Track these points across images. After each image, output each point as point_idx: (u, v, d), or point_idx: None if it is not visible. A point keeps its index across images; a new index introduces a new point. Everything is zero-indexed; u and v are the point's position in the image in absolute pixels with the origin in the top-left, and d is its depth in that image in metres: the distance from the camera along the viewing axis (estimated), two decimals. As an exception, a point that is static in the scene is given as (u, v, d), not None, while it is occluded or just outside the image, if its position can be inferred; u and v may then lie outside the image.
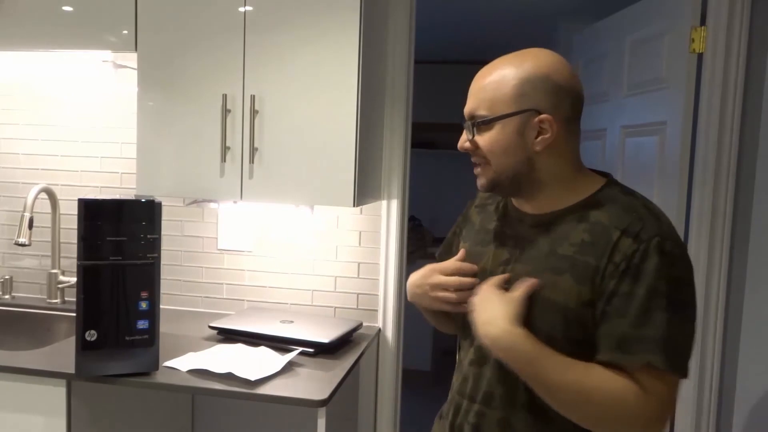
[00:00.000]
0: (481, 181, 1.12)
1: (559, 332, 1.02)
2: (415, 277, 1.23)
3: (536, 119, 1.04)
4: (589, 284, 1.01)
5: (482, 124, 1.07)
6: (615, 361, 0.97)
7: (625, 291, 0.98)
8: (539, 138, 1.05)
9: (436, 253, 1.38)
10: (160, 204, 1.50)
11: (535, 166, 1.07)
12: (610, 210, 1.04)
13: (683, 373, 0.97)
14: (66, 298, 2.17)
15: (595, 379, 0.98)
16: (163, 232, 1.52)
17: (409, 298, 1.26)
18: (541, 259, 1.06)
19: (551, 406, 1.01)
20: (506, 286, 1.08)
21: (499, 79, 1.06)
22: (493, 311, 1.03)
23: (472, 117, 1.09)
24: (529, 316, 1.04)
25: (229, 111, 1.77)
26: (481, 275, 1.14)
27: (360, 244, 2.09)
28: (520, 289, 1.04)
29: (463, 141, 1.11)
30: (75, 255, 1.47)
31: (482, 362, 1.12)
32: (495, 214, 1.21)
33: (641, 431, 0.97)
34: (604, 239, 1.01)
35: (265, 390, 1.47)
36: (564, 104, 1.05)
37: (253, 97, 1.75)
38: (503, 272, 1.11)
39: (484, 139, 1.08)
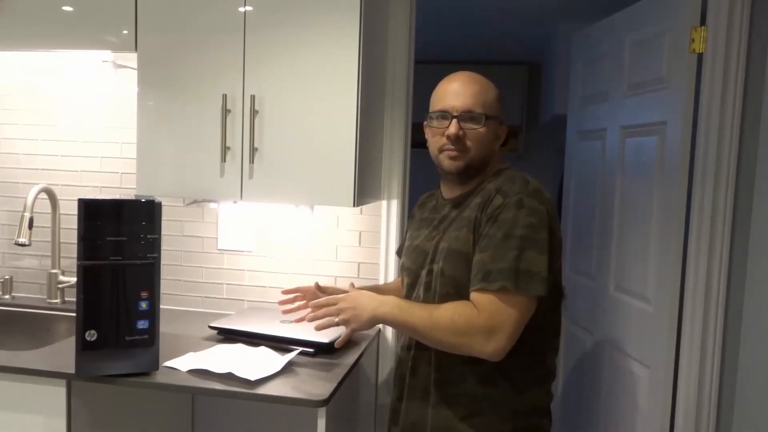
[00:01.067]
0: (457, 164, 1.41)
1: (462, 272, 1.35)
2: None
3: (500, 126, 1.45)
4: (472, 232, 1.35)
5: (478, 118, 1.39)
6: (479, 288, 1.29)
7: (489, 233, 1.31)
8: (497, 140, 1.45)
9: (396, 250, 1.85)
10: (160, 204, 1.50)
11: (490, 159, 1.44)
12: (497, 180, 1.40)
13: (532, 292, 1.28)
14: (66, 298, 2.17)
15: (441, 309, 1.33)
16: (163, 232, 1.52)
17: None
18: (453, 223, 1.41)
19: (421, 340, 1.39)
20: (429, 278, 1.44)
21: (487, 87, 1.42)
22: (358, 302, 1.44)
23: (470, 111, 1.39)
24: (442, 266, 1.38)
25: (229, 111, 1.77)
26: (416, 251, 1.49)
27: (360, 244, 2.09)
28: (342, 296, 1.51)
29: (457, 129, 1.38)
30: (75, 255, 1.47)
31: None
32: (430, 206, 1.57)
33: (482, 339, 1.28)
34: (486, 198, 1.36)
35: (265, 390, 1.47)
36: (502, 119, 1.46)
37: (253, 97, 1.75)
38: (429, 246, 1.44)
39: (474, 132, 1.39)
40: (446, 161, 1.42)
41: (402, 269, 1.59)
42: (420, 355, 1.46)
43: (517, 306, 1.29)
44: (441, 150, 1.42)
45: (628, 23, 2.21)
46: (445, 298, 1.37)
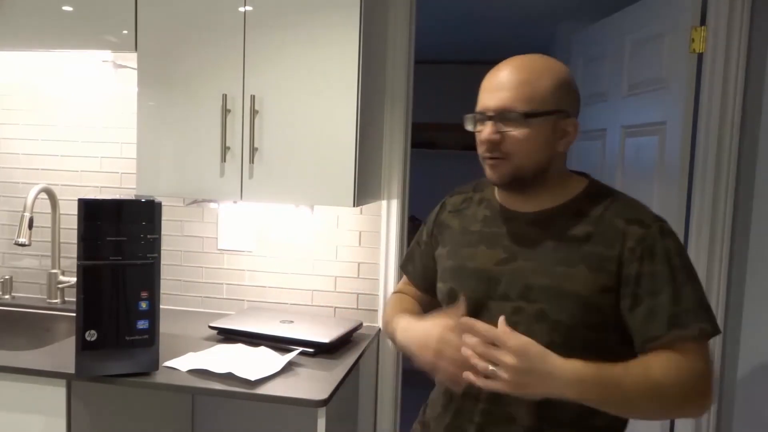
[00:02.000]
0: (495, 174, 1.13)
1: (578, 320, 1.07)
2: (431, 342, 1.11)
3: (565, 121, 1.11)
4: (605, 272, 1.07)
5: (518, 118, 1.08)
6: (674, 337, 1.04)
7: (648, 271, 1.05)
8: (564, 139, 1.12)
9: (400, 264, 1.40)
10: (160, 204, 1.50)
11: (550, 166, 1.13)
12: (605, 204, 1.12)
13: (718, 330, 1.07)
14: (66, 298, 2.17)
15: (655, 371, 1.02)
16: (163, 232, 1.52)
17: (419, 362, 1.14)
18: (548, 254, 1.11)
19: (624, 415, 1.08)
20: (515, 319, 1.08)
21: (540, 75, 1.10)
22: (538, 367, 0.99)
23: (506, 110, 1.09)
24: (545, 308, 1.08)
25: (229, 111, 1.77)
26: (477, 275, 1.17)
27: (360, 244, 2.09)
28: (512, 335, 1.00)
29: (491, 133, 1.10)
30: (75, 255, 1.47)
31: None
32: (475, 217, 1.23)
33: (703, 398, 1.05)
34: (611, 230, 1.08)
35: (265, 390, 1.47)
36: (577, 110, 1.14)
37: (253, 97, 1.75)
38: (504, 271, 1.13)
39: (515, 135, 1.09)
40: (488, 171, 1.15)
41: (448, 295, 1.21)
42: (499, 411, 1.12)
43: (709, 349, 1.07)
44: (482, 158, 1.15)
45: (628, 23, 2.21)
46: (549, 349, 1.04)
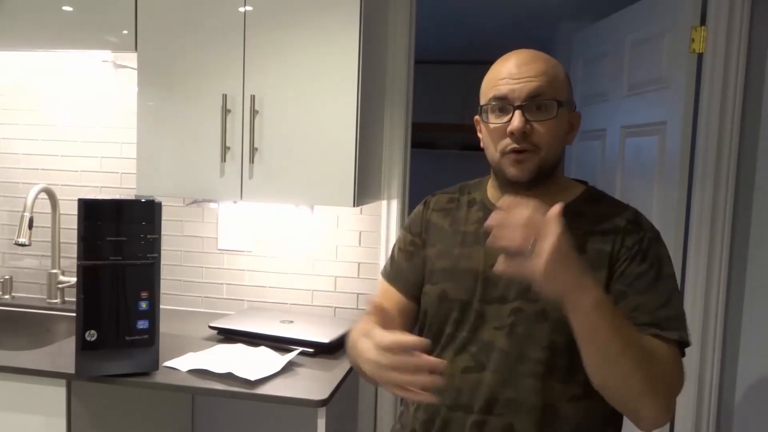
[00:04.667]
0: (527, 168, 1.05)
1: None
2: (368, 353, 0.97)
3: (574, 113, 1.10)
4: (606, 269, 1.04)
5: (550, 105, 1.03)
6: (654, 334, 1.00)
7: (638, 272, 1.03)
8: (571, 132, 1.10)
9: (381, 272, 1.29)
10: (160, 204, 1.50)
11: (560, 159, 1.11)
12: (605, 204, 1.12)
13: (690, 343, 1.04)
14: (66, 298, 2.17)
15: (650, 344, 0.98)
16: (163, 232, 1.52)
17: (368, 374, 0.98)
18: None
19: (604, 370, 0.95)
20: (512, 319, 1.06)
21: (552, 66, 1.07)
22: (573, 257, 0.89)
23: (539, 97, 1.03)
24: (545, 306, 1.04)
25: (229, 111, 1.77)
26: (472, 275, 1.11)
27: (360, 244, 2.09)
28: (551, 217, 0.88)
29: (523, 123, 1.02)
30: (75, 255, 1.47)
31: (481, 368, 1.08)
32: (466, 217, 1.18)
33: (671, 399, 0.99)
34: (611, 228, 1.07)
35: (265, 390, 1.47)
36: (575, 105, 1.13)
37: (253, 97, 1.75)
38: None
39: (546, 124, 1.04)
40: (511, 168, 1.06)
41: (438, 298, 1.15)
42: (495, 421, 1.05)
43: (681, 363, 1.02)
44: (504, 153, 1.06)
45: (628, 23, 2.21)
46: (548, 351, 1.03)
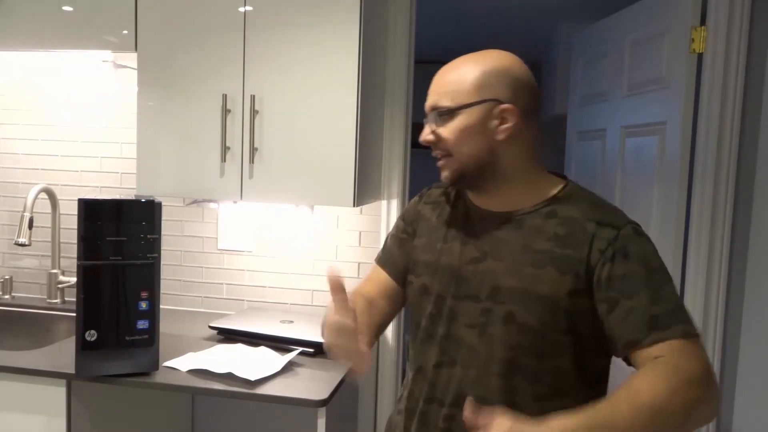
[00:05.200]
0: (445, 174, 1.13)
1: (547, 324, 1.04)
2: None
3: (498, 108, 1.07)
4: (573, 275, 1.04)
5: (446, 113, 1.09)
6: (655, 339, 0.98)
7: (622, 273, 1.01)
8: (502, 127, 1.08)
9: (376, 259, 1.33)
10: (160, 204, 1.50)
11: (498, 157, 1.10)
12: (577, 205, 1.09)
13: (698, 331, 1.01)
14: (66, 298, 2.17)
15: (643, 394, 0.93)
16: (163, 232, 1.52)
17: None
18: (518, 254, 1.08)
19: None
20: (483, 320, 1.08)
21: (460, 73, 1.10)
22: None
23: (435, 109, 1.11)
24: (513, 309, 1.06)
25: (229, 111, 1.77)
26: (448, 272, 1.14)
27: (360, 244, 2.09)
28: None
29: (427, 134, 1.12)
30: (75, 255, 1.47)
31: (451, 363, 1.11)
32: (452, 212, 1.21)
33: (706, 401, 0.96)
34: (580, 231, 1.05)
35: (265, 390, 1.47)
36: (523, 96, 1.09)
37: (253, 97, 1.75)
38: (473, 270, 1.11)
39: (447, 130, 1.10)
40: (441, 173, 1.15)
41: (419, 291, 1.19)
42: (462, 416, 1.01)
43: (703, 349, 1.00)
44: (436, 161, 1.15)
45: (628, 23, 2.21)
46: (515, 351, 1.05)
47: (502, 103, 1.07)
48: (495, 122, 1.08)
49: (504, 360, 1.06)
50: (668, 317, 0.99)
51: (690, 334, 0.99)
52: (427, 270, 1.18)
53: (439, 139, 1.11)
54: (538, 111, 1.13)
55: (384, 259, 1.31)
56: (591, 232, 1.05)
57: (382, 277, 1.30)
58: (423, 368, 1.15)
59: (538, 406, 1.03)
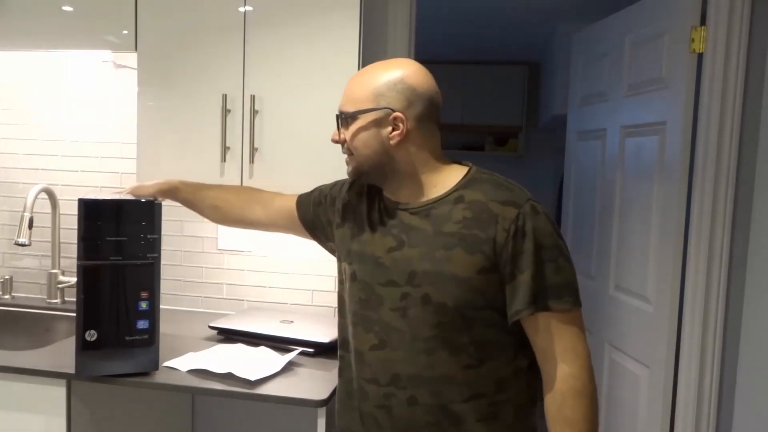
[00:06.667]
0: (348, 169, 1.27)
1: (460, 301, 1.15)
2: None
3: (390, 116, 1.19)
4: (480, 254, 1.15)
5: (347, 117, 1.22)
6: (532, 312, 1.13)
7: (520, 250, 1.13)
8: (394, 132, 1.20)
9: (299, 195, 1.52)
10: (160, 204, 1.50)
11: (394, 158, 1.21)
12: (481, 189, 1.20)
13: (578, 303, 1.16)
14: (66, 298, 2.17)
15: (568, 404, 1.15)
16: (163, 232, 1.52)
17: None
18: (429, 239, 1.19)
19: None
20: (404, 303, 1.19)
21: (363, 81, 1.23)
22: None
23: (339, 114, 1.25)
24: (428, 291, 1.17)
25: (229, 111, 1.77)
26: (371, 260, 1.24)
27: (360, 244, 2.08)
28: None
29: (334, 134, 1.27)
30: (75, 255, 1.47)
31: (384, 345, 1.21)
32: (372, 205, 1.31)
33: (588, 369, 1.16)
34: (485, 213, 1.16)
35: (265, 390, 1.47)
36: (417, 105, 1.20)
37: (253, 97, 1.75)
38: (393, 258, 1.21)
39: (348, 132, 1.23)
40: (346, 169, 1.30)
41: (351, 277, 1.29)
42: (406, 396, 1.20)
43: (581, 321, 1.17)
44: None
45: (628, 23, 2.21)
46: (437, 329, 1.17)
47: (394, 111, 1.19)
48: (388, 128, 1.20)
49: (427, 338, 1.17)
50: (546, 292, 1.13)
51: (562, 310, 1.13)
52: (358, 258, 1.28)
53: (344, 140, 1.25)
54: (436, 117, 1.25)
55: (302, 199, 1.50)
56: (496, 212, 1.15)
57: (291, 203, 1.52)
58: (359, 350, 1.26)
59: (466, 376, 1.18)
